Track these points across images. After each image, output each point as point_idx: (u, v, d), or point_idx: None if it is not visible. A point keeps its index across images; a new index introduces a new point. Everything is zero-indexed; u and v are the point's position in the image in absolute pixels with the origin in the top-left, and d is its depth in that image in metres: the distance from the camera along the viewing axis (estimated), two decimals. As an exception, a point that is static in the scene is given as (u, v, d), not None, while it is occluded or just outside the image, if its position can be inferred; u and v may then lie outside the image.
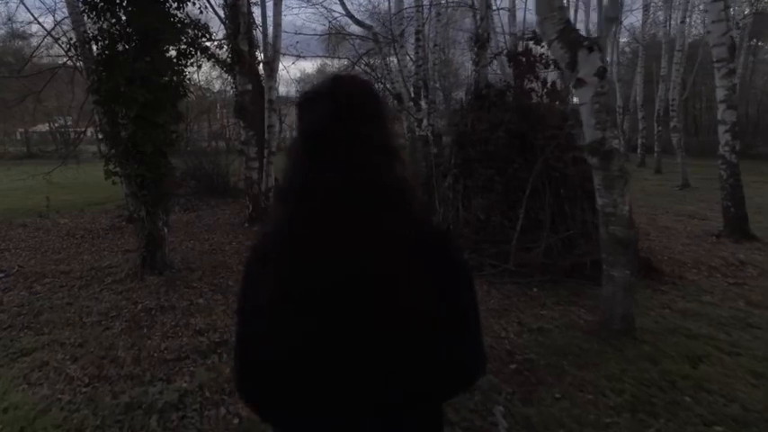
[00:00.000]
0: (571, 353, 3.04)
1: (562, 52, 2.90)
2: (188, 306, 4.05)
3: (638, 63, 17.16)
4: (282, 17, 8.50)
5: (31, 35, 11.86)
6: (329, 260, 0.87)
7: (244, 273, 0.97)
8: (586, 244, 4.65)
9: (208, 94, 20.72)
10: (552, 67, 5.14)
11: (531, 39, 5.16)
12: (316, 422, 0.91)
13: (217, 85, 21.72)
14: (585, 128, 2.95)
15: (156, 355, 3.14)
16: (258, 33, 9.04)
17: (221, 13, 8.41)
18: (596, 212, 4.79)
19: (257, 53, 8.69)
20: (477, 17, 6.37)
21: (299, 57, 11.83)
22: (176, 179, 6.76)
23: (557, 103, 5.53)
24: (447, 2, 10.90)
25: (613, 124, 2.90)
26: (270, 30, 8.67)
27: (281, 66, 8.81)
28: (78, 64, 5.84)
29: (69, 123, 16.83)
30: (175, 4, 4.97)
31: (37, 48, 9.22)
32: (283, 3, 8.53)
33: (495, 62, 8.75)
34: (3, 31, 12.66)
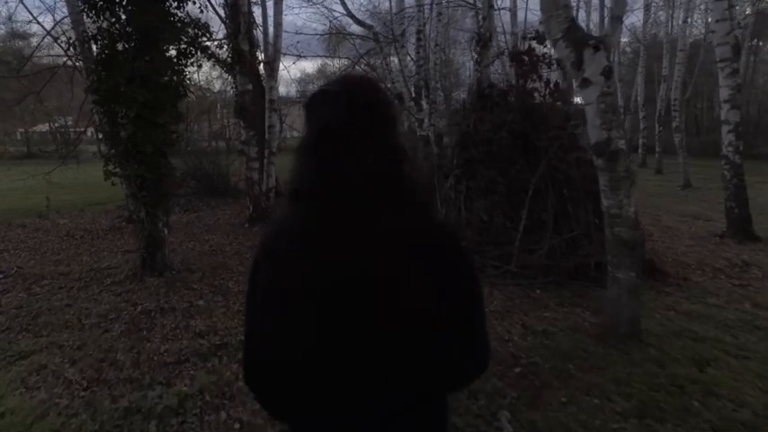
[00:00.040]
0: (576, 356, 3.00)
1: (567, 51, 2.86)
2: (188, 308, 4.01)
3: (639, 63, 17.11)
4: (283, 17, 8.48)
5: (32, 35, 11.83)
6: (341, 259, 0.87)
7: (251, 270, 0.96)
8: (589, 245, 4.61)
9: (208, 94, 20.69)
10: (555, 66, 5.10)
11: (533, 38, 5.12)
12: (322, 421, 0.92)
13: (217, 85, 21.72)
14: (591, 128, 2.91)
15: (155, 358, 3.10)
16: (259, 33, 9.02)
17: (221, 12, 8.38)
18: (599, 213, 4.79)
19: (258, 53, 8.66)
20: (480, 17, 6.34)
21: (299, 57, 11.80)
22: (176, 179, 6.72)
23: (559, 103, 5.50)
24: (448, 1, 10.85)
25: (619, 124, 2.86)
26: (270, 29, 8.66)
27: (281, 66, 8.77)
28: (78, 63, 5.81)
29: (69, 123, 16.79)
30: (175, 4, 4.93)
31: (36, 47, 9.17)
32: (284, 2, 8.50)
33: (495, 62, 8.71)
34: (3, 31, 12.63)
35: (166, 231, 5.14)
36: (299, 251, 0.90)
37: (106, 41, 4.69)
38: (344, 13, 11.43)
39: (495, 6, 7.93)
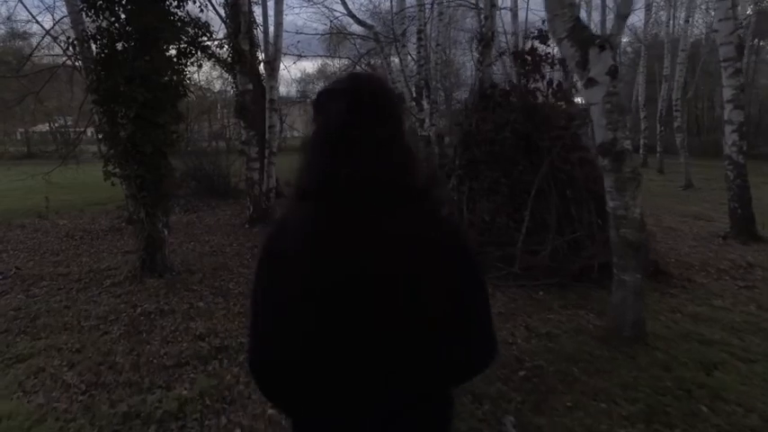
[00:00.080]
0: (581, 359, 2.96)
1: (572, 51, 2.82)
2: (188, 309, 3.97)
3: (640, 63, 17.09)
4: (283, 16, 8.43)
5: (32, 35, 11.79)
6: (341, 260, 0.87)
7: (257, 269, 0.96)
8: (592, 246, 4.57)
9: (208, 94, 20.65)
10: (558, 66, 5.06)
11: (536, 37, 5.08)
12: (322, 420, 0.93)
13: (217, 85, 21.68)
14: (596, 128, 2.88)
15: (155, 360, 3.06)
16: (259, 32, 8.98)
17: (222, 11, 8.35)
18: (602, 214, 4.75)
19: (258, 52, 8.63)
20: (482, 16, 6.30)
21: (300, 56, 11.78)
22: (176, 180, 6.68)
23: (561, 103, 5.47)
24: (450, 1, 10.82)
25: (625, 125, 2.82)
26: (271, 29, 8.62)
27: (281, 65, 8.73)
28: (77, 63, 5.77)
29: (69, 123, 16.76)
30: (175, 3, 4.90)
31: (36, 47, 9.13)
32: (284, 2, 8.46)
33: (496, 62, 8.67)
34: (2, 31, 12.59)
35: (166, 232, 5.10)
36: (301, 251, 0.90)
37: (106, 41, 4.65)
38: (345, 12, 11.41)
39: (497, 6, 7.87)
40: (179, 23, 4.92)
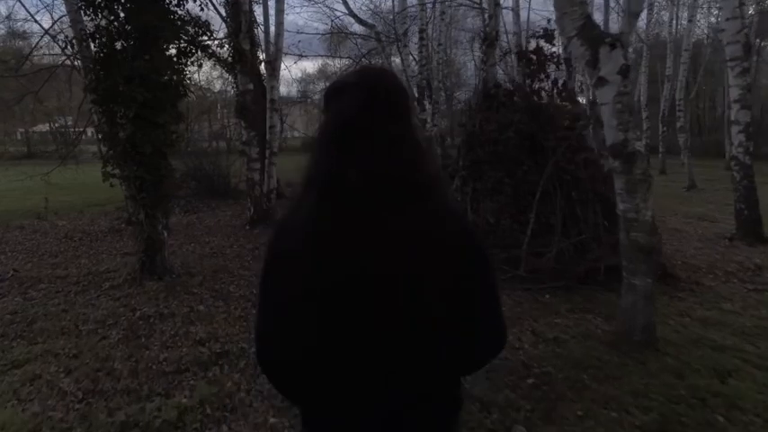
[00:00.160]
0: (591, 365, 2.89)
1: (582, 49, 2.75)
2: (188, 313, 3.90)
3: (642, 63, 16.99)
4: (284, 16, 8.36)
5: (31, 35, 11.72)
6: (342, 259, 0.87)
7: (263, 269, 0.96)
8: (598, 248, 4.50)
9: (208, 94, 20.60)
10: (563, 65, 4.99)
11: (541, 36, 5.01)
12: (324, 419, 0.94)
13: (218, 85, 21.63)
14: (607, 129, 2.80)
15: (154, 366, 2.99)
16: (260, 32, 8.92)
17: (222, 11, 8.28)
18: (608, 215, 4.69)
19: (259, 52, 8.56)
20: (486, 15, 6.23)
21: (300, 56, 11.70)
22: (176, 181, 6.61)
23: (566, 103, 5.40)
24: (452, 0, 10.75)
25: (636, 125, 2.75)
26: (272, 28, 8.55)
27: (282, 65, 8.65)
28: (76, 63, 5.70)
29: (69, 123, 16.70)
30: (175, 1, 4.84)
31: (35, 47, 9.07)
32: (285, 1, 8.39)
33: (500, 61, 8.60)
34: (2, 31, 12.53)
35: (166, 234, 5.03)
36: (302, 251, 0.89)
37: (104, 40, 4.59)
38: (346, 12, 11.33)
39: (501, 5, 7.80)
40: (179, 22, 4.86)
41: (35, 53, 9.95)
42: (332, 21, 12.77)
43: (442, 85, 15.08)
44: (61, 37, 5.67)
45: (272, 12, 8.64)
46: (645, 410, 2.41)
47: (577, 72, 9.11)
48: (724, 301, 4.00)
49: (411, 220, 0.87)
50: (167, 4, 4.75)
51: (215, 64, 8.24)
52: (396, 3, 11.47)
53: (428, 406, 0.92)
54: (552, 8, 3.05)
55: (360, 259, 0.86)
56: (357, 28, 12.64)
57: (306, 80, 27.89)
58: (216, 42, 7.05)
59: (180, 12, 4.90)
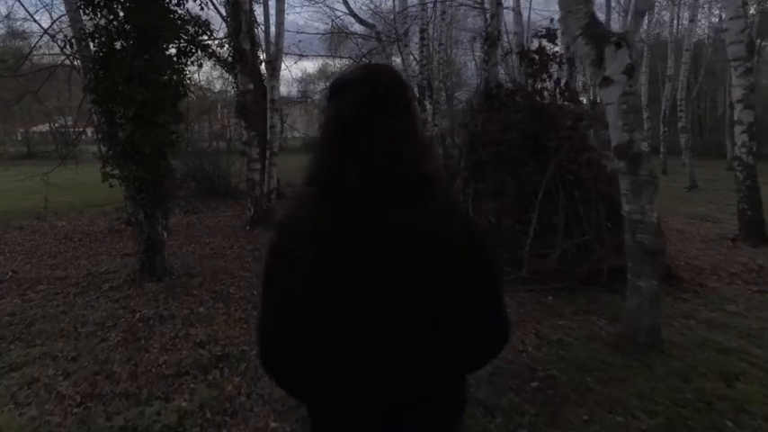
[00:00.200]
0: (595, 368, 2.85)
1: (587, 49, 2.72)
2: (188, 315, 3.87)
3: (643, 63, 16.96)
4: (284, 15, 8.33)
5: (31, 34, 11.69)
6: (342, 259, 0.86)
7: (264, 269, 0.96)
8: (602, 249, 4.47)
9: (209, 94, 20.56)
10: (566, 65, 4.95)
11: (544, 36, 4.98)
12: (327, 416, 0.95)
13: (218, 85, 21.59)
14: (612, 129, 2.77)
15: (153, 369, 2.95)
16: (260, 32, 8.88)
17: (222, 10, 8.25)
18: (611, 216, 4.66)
19: (259, 52, 8.52)
20: (487, 15, 6.20)
21: (301, 56, 11.67)
22: (176, 181, 6.57)
23: (568, 103, 5.36)
24: (452, 0, 10.72)
25: (642, 126, 2.71)
26: (272, 28, 8.51)
27: (282, 65, 8.61)
28: (76, 62, 5.67)
29: (69, 123, 16.67)
30: (175, 1, 4.80)
31: (34, 46, 9.03)
32: (285, 1, 8.36)
33: (502, 61, 8.56)
34: (2, 31, 12.49)
35: (166, 234, 5.00)
36: (302, 251, 0.89)
37: (104, 39, 4.55)
38: (347, 12, 11.31)
39: (503, 5, 7.76)
40: (179, 22, 4.83)
41: (35, 53, 9.92)
42: (332, 20, 12.74)
43: (443, 85, 15.04)
44: (60, 36, 5.63)
45: (272, 11, 8.63)
46: (651, 414, 2.37)
47: (579, 72, 9.08)
48: (728, 302, 3.97)
49: (411, 219, 0.87)
50: (167, 3, 4.72)
51: (215, 64, 8.19)
52: (396, 2, 11.42)
53: (429, 404, 0.92)
54: (553, 8, 3.03)
55: (359, 258, 0.85)
56: (357, 28, 12.62)
57: (306, 80, 27.86)
58: (216, 42, 7.02)
59: (180, 11, 4.87)
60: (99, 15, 4.53)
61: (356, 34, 13.25)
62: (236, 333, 3.49)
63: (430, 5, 9.68)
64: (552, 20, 5.14)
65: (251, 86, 7.62)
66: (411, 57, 11.27)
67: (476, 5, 9.99)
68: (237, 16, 7.14)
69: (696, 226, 7.30)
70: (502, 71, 10.04)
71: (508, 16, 12.60)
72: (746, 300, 4.04)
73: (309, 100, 23.92)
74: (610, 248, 4.40)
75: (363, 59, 12.14)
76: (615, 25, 12.27)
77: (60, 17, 7.59)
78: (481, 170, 4.88)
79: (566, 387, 2.67)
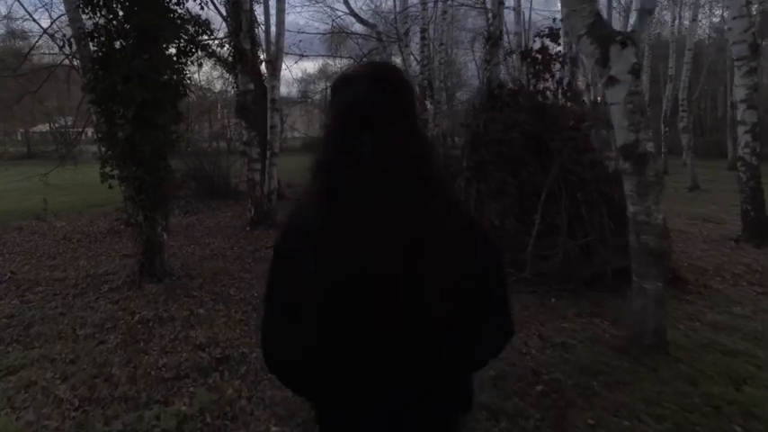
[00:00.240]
0: (600, 371, 2.81)
1: (592, 48, 2.68)
2: (188, 317, 3.83)
3: (644, 63, 16.93)
4: (285, 15, 8.30)
5: (31, 34, 11.66)
6: (344, 260, 0.86)
7: (269, 270, 0.95)
8: (605, 251, 4.43)
9: (209, 95, 20.53)
10: (569, 65, 4.92)
11: (547, 35, 4.94)
12: (337, 414, 0.95)
13: (218, 86, 21.55)
14: (617, 130, 2.73)
15: (153, 373, 2.92)
16: (260, 31, 8.85)
17: (222, 10, 8.22)
18: (615, 217, 4.61)
19: (259, 52, 8.49)
20: (489, 15, 6.17)
21: (301, 56, 11.64)
22: (176, 182, 6.53)
23: (570, 103, 5.32)
24: (453, 0, 10.68)
25: (647, 126, 2.68)
26: (272, 28, 8.48)
27: (282, 65, 8.58)
28: (75, 62, 5.63)
29: (69, 123, 16.63)
30: (175, 0, 4.76)
31: (33, 46, 9.00)
32: (286, 0, 8.33)
33: (504, 61, 8.53)
34: (2, 31, 12.47)
35: (165, 236, 4.96)
36: (306, 251, 0.89)
37: (103, 39, 4.52)
38: (347, 12, 11.28)
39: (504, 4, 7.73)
40: (178, 21, 4.79)
41: (35, 53, 9.89)
42: (333, 20, 12.72)
43: (444, 85, 15.01)
44: (59, 36, 5.59)
45: (272, 11, 8.59)
46: (658, 419, 2.33)
47: (580, 72, 9.04)
48: (734, 304, 3.93)
49: (412, 219, 0.86)
50: (167, 2, 4.68)
51: (215, 64, 8.20)
52: (397, 2, 11.39)
53: (431, 404, 0.92)
54: (554, 8, 2.99)
55: (361, 259, 0.85)
56: (358, 28, 12.59)
57: (306, 80, 27.83)
58: (216, 42, 7.00)
59: (179, 10, 4.83)
60: (98, 15, 4.49)
61: (357, 34, 13.22)
62: (236, 335, 3.45)
63: (431, 5, 9.65)
64: (555, 19, 5.10)
65: (251, 86, 7.58)
66: (412, 57, 11.24)
67: (476, 5, 9.97)
68: (238, 16, 7.11)
69: (698, 227, 7.26)
70: (503, 71, 10.02)
71: (509, 16, 12.57)
72: (752, 301, 4.00)
73: (310, 100, 23.89)
74: (613, 250, 4.36)
75: (364, 59, 12.12)
76: (616, 25, 12.21)
77: (60, 17, 7.55)
78: (483, 170, 4.84)
79: (571, 391, 2.63)
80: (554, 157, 4.67)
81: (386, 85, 0.92)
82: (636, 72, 2.63)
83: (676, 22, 15.10)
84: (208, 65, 10.36)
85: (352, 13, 11.20)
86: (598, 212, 4.65)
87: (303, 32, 19.93)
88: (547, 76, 4.92)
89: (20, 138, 28.46)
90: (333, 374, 0.90)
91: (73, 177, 8.64)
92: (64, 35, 5.25)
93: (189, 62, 5.05)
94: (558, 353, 3.11)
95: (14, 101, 10.42)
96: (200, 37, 5.16)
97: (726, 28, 7.15)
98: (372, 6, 13.99)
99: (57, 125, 20.45)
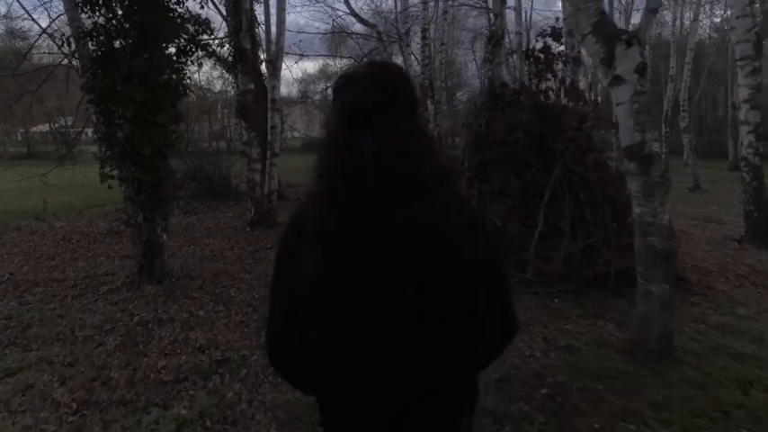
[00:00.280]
0: (606, 375, 2.78)
1: (597, 47, 2.65)
2: (187, 318, 3.79)
3: (646, 63, 16.90)
4: (285, 15, 8.26)
5: (31, 34, 11.62)
6: (349, 255, 0.86)
7: (274, 269, 0.96)
8: (608, 252, 4.39)
9: (209, 95, 20.49)
10: (571, 64, 4.88)
11: (549, 35, 4.90)
12: (341, 414, 0.94)
13: (218, 86, 21.52)
14: (623, 130, 2.70)
15: (152, 375, 2.88)
16: (261, 31, 8.81)
17: (222, 9, 8.18)
18: (618, 218, 4.58)
19: (260, 52, 8.46)
20: (491, 14, 6.13)
21: (302, 56, 11.60)
22: (176, 182, 6.49)
23: (573, 103, 5.28)
24: (455, 1, 10.65)
25: (653, 126, 2.64)
26: (273, 27, 8.44)
27: (283, 65, 8.54)
28: (74, 62, 5.60)
29: (69, 123, 16.58)
30: (175, -1, 4.72)
31: (32, 46, 8.97)
32: (286, 0, 8.29)
33: (508, 60, 8.49)
34: (2, 31, 12.42)
35: (165, 236, 4.92)
36: (310, 250, 0.89)
37: (103, 38, 4.48)
38: (348, 11, 11.25)
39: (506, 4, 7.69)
40: (178, 20, 4.75)
41: (35, 53, 9.85)
42: (333, 20, 12.68)
43: (444, 85, 14.98)
44: (58, 35, 5.55)
45: (273, 11, 8.55)
46: (665, 424, 2.30)
47: (580, 72, 8.99)
48: (739, 306, 3.89)
49: (418, 216, 0.87)
50: (166, 1, 4.64)
51: (215, 63, 8.15)
52: (398, 2, 11.35)
53: (435, 401, 0.92)
54: (555, 8, 2.96)
55: (367, 256, 0.85)
56: (358, 27, 12.56)
57: (306, 80, 27.79)
58: (216, 42, 6.96)
59: (179, 9, 4.79)
60: (98, 14, 4.46)
61: (357, 34, 13.19)
62: (236, 337, 3.42)
63: (431, 5, 9.61)
64: (557, 18, 5.06)
65: (251, 86, 7.54)
66: (413, 57, 11.21)
67: (476, 5, 9.94)
68: (238, 15, 7.07)
69: (701, 227, 7.22)
70: (504, 71, 9.98)
71: (509, 16, 12.55)
72: (757, 303, 3.97)
73: (310, 100, 23.86)
74: (616, 251, 4.33)
75: (364, 59, 12.09)
76: (617, 24, 12.18)
77: (59, 16, 7.51)
78: (485, 171, 4.80)
79: (576, 395, 2.59)
80: (557, 158, 4.63)
81: (386, 85, 0.92)
82: (642, 71, 2.59)
83: (677, 22, 15.06)
84: (208, 65, 10.33)
85: (353, 12, 11.17)
86: (601, 213, 4.61)
87: (303, 32, 19.93)
88: (549, 75, 4.88)
89: (20, 138, 28.42)
90: (336, 373, 0.91)
91: (72, 177, 8.60)
92: (62, 34, 5.20)
93: (189, 62, 5.02)
94: (563, 356, 3.07)
95: (14, 100, 10.37)
96: (200, 36, 5.12)
97: (726, 28, 7.11)
98: (373, 6, 13.96)
99: (57, 125, 20.40)
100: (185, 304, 4.10)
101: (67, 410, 2.49)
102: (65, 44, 5.04)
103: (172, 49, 4.85)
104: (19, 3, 11.29)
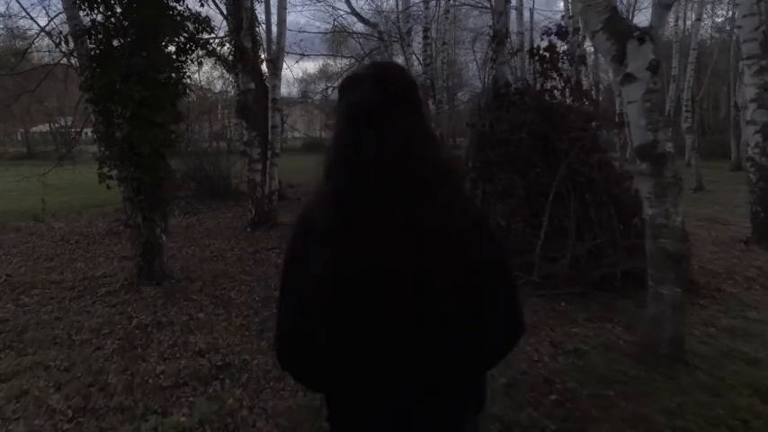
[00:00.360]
0: (616, 380, 2.70)
1: (608, 44, 2.57)
2: (187, 321, 3.72)
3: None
4: (286, 13, 8.19)
5: (30, 33, 11.54)
6: (352, 255, 0.87)
7: (282, 270, 0.96)
8: (614, 253, 4.32)
9: (209, 95, 20.43)
10: (576, 63, 4.81)
11: (554, 33, 4.83)
12: (345, 413, 0.95)
13: (218, 86, 21.45)
14: (634, 129, 2.62)
15: (150, 381, 2.81)
16: (261, 30, 8.75)
17: (223, 8, 8.12)
18: (623, 218, 4.51)
19: (260, 51, 8.39)
20: (494, 13, 6.06)
21: (302, 55, 11.53)
22: (176, 182, 6.42)
23: (578, 102, 5.22)
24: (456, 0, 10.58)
25: (666, 125, 2.57)
26: (274, 27, 8.37)
27: (283, 65, 8.47)
28: (72, 60, 5.52)
29: (69, 123, 16.52)
30: (174, -4, 4.65)
31: (30, 45, 8.90)
32: (287, -1, 8.22)
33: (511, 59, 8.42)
34: (1, 29, 12.35)
35: (164, 237, 4.85)
36: (316, 251, 0.89)
37: (101, 36, 4.41)
38: (349, 11, 11.18)
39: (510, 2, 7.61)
40: (178, 18, 4.68)
41: (34, 53, 9.78)
42: (334, 20, 12.61)
43: (446, 85, 14.91)
44: (56, 33, 5.47)
45: (273, 9, 8.48)
46: (680, 432, 2.23)
47: (583, 72, 8.94)
48: (749, 309, 3.82)
49: (419, 215, 0.87)
50: (166, -1, 4.58)
51: (215, 63, 8.07)
52: (399, 1, 11.29)
53: (437, 402, 0.92)
54: (555, 8, 2.89)
55: (369, 255, 0.86)
56: (359, 27, 12.49)
57: (307, 80, 27.72)
58: (217, 40, 6.88)
59: (179, 7, 4.72)
60: (96, 12, 4.39)
61: (358, 34, 13.12)
62: (237, 341, 3.34)
63: (433, 4, 9.55)
64: (563, 16, 4.99)
65: (252, 86, 7.48)
66: (414, 56, 11.14)
67: (478, 5, 9.87)
68: (238, 14, 7.00)
69: (706, 228, 7.15)
70: (507, 70, 9.91)
71: (511, 15, 12.49)
72: (766, 306, 3.89)
73: (310, 100, 23.79)
74: (623, 252, 4.26)
75: (365, 59, 12.02)
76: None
77: (58, 14, 7.44)
78: (489, 171, 4.73)
79: (587, 401, 2.52)
80: (562, 158, 4.56)
81: (387, 85, 0.93)
82: (654, 69, 2.52)
83: (680, 21, 15.00)
84: (208, 64, 10.27)
85: (354, 12, 11.10)
86: (607, 214, 4.54)
87: (304, 32, 19.91)
88: (554, 74, 4.81)
89: (20, 138, 28.36)
90: (342, 371, 0.91)
91: (72, 177, 8.53)
92: (60, 32, 5.13)
93: (188, 60, 4.95)
94: (571, 360, 3.00)
95: (12, 99, 10.30)
96: (199, 35, 5.04)
97: (728, 27, 7.04)
98: (374, 6, 13.90)
99: (56, 125, 20.33)
100: (185, 307, 4.03)
101: (63, 418, 2.42)
102: (62, 42, 4.96)
103: (171, 48, 4.78)
104: (17, 1, 11.20)
